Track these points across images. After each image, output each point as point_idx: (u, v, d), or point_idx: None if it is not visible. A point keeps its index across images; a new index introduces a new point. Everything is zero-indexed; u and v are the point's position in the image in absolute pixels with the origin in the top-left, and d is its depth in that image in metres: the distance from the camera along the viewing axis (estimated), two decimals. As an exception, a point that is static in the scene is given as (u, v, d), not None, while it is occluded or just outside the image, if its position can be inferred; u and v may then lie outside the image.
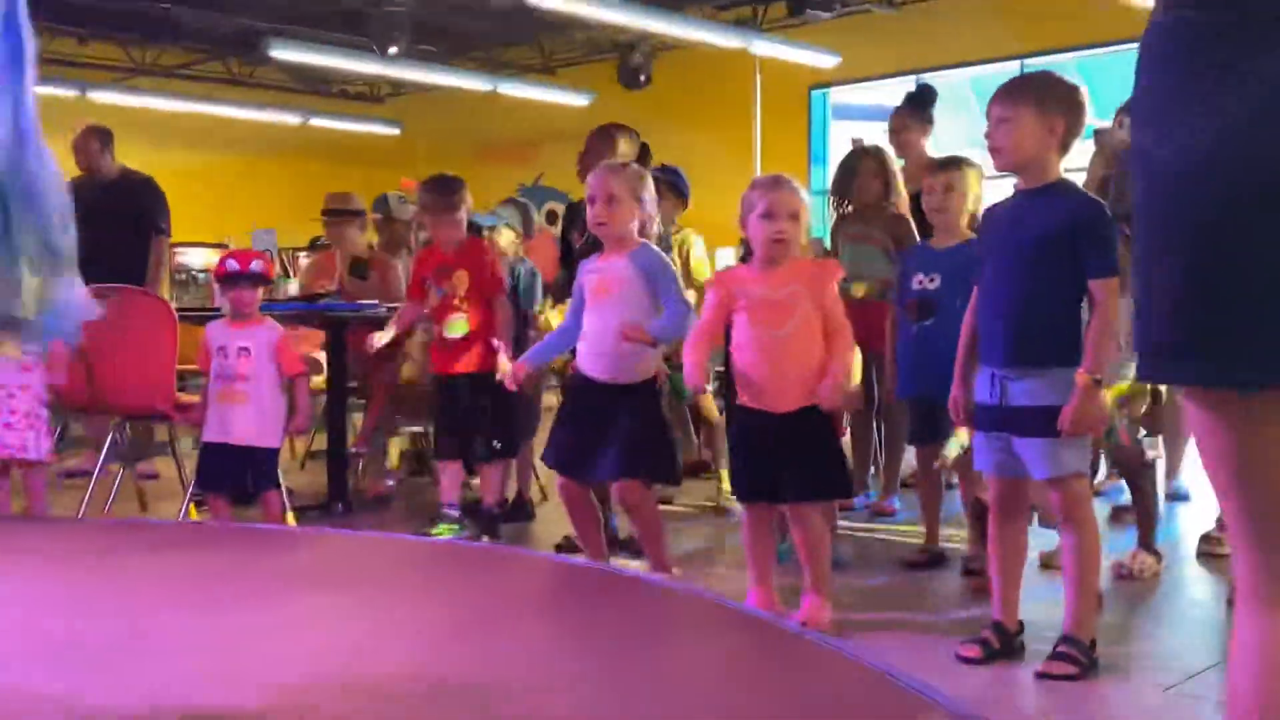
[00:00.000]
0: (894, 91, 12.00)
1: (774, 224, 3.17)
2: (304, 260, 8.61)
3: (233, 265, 4.19)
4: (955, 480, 4.30)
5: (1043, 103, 2.82)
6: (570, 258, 4.61)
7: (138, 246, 6.09)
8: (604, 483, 3.68)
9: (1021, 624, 3.04)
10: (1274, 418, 1.13)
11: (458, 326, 4.46)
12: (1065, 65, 10.19)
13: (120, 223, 6.01)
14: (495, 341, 4.32)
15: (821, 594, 3.23)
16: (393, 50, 10.52)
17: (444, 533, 4.40)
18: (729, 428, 3.56)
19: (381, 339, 4.57)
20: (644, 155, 4.54)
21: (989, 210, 3.19)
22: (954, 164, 4.00)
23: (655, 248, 3.58)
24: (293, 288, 5.54)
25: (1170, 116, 1.16)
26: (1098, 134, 4.27)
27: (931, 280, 3.92)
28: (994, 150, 2.89)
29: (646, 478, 3.54)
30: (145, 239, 6.13)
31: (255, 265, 4.21)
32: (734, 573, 3.76)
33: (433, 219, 4.59)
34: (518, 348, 4.42)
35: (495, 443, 4.52)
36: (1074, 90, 2.89)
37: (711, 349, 3.37)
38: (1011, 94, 2.86)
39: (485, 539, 4.43)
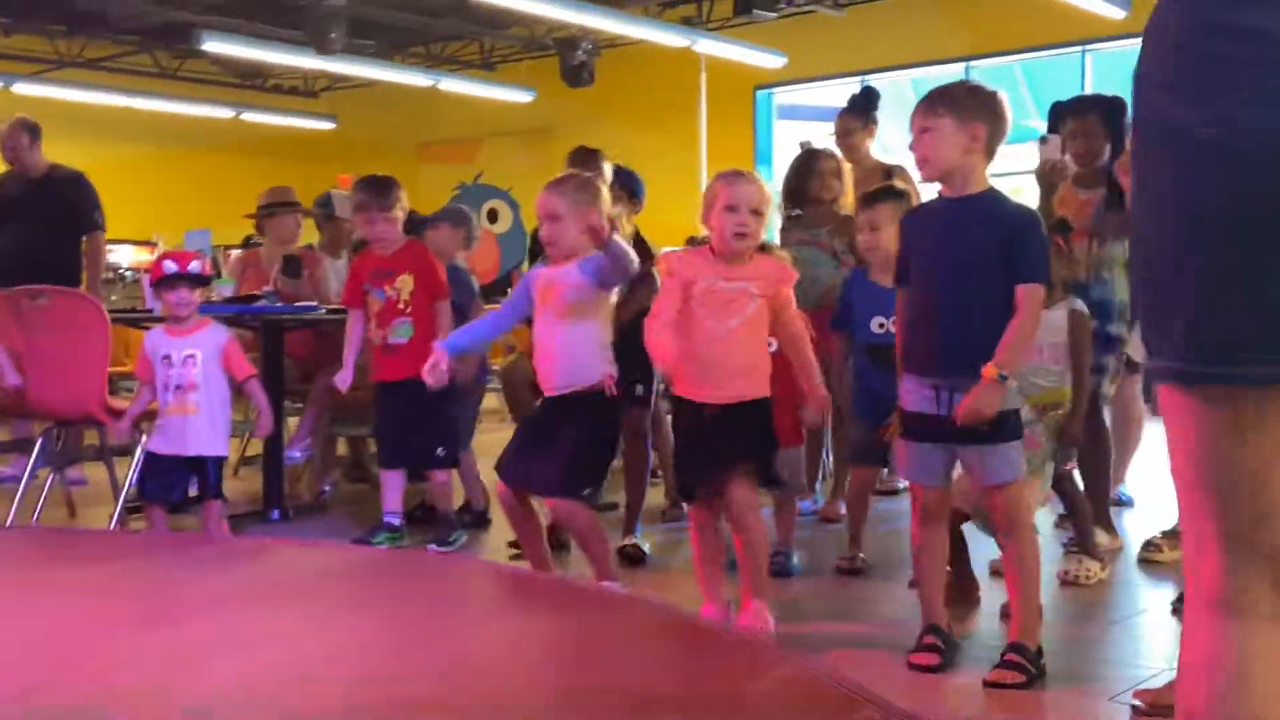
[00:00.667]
0: (839, 92, 12.04)
1: (736, 217, 3.18)
2: (233, 256, 8.44)
3: (170, 266, 4.02)
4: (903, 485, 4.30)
5: (961, 111, 2.85)
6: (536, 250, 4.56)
7: (67, 243, 5.95)
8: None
9: (949, 625, 3.07)
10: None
11: (403, 331, 4.39)
12: (1009, 67, 10.32)
13: (49, 219, 5.87)
14: (436, 345, 4.24)
15: (762, 598, 3.25)
16: (334, 39, 10.34)
17: (384, 542, 4.32)
18: (674, 422, 3.52)
19: (345, 377, 4.45)
20: (590, 160, 4.48)
21: (910, 215, 3.21)
22: (879, 199, 4.00)
23: (600, 254, 3.50)
24: (229, 289, 5.40)
25: (1215, 88, 1.07)
26: (1043, 140, 4.29)
27: (891, 324, 3.84)
28: (919, 161, 2.93)
29: (576, 493, 3.50)
30: (75, 236, 5.99)
31: (194, 266, 4.07)
32: (684, 579, 3.72)
33: (366, 219, 4.49)
34: None
35: (439, 449, 4.45)
36: (992, 96, 2.92)
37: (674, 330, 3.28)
38: (931, 104, 2.89)
39: (435, 546, 4.35)
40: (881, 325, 3.93)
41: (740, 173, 3.28)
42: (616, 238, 3.35)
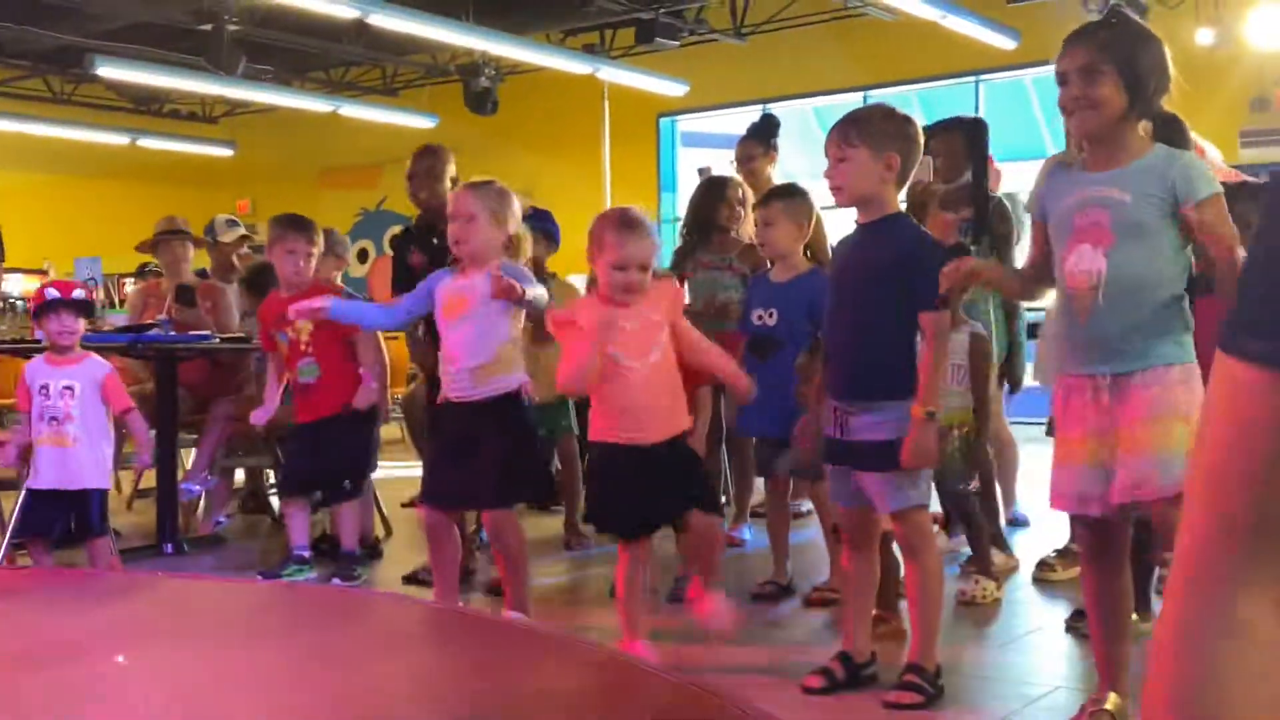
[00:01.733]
0: (742, 120, 12.17)
1: (626, 275, 3.06)
2: (130, 288, 8.26)
3: (52, 293, 3.94)
4: (807, 509, 4.32)
5: (877, 142, 2.87)
6: (409, 278, 4.49)
7: None
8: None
9: (874, 654, 3.06)
10: None
11: (308, 372, 4.35)
12: (905, 97, 10.52)
13: None
14: (363, 371, 4.31)
15: (719, 591, 3.23)
16: (238, 65, 10.18)
17: (293, 575, 4.25)
18: (589, 465, 3.48)
19: (260, 415, 4.47)
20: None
21: (838, 244, 3.22)
22: (774, 197, 4.03)
23: (513, 264, 3.50)
24: (120, 318, 5.27)
25: None
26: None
27: (770, 315, 3.91)
28: (834, 189, 2.94)
29: (521, 501, 3.51)
30: None
31: (77, 293, 3.99)
32: (593, 610, 3.70)
33: (286, 248, 4.39)
34: None
35: (346, 482, 4.43)
36: (906, 123, 2.94)
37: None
38: (846, 134, 2.89)
39: (338, 581, 4.28)
40: (760, 317, 3.95)
41: (630, 223, 3.08)
42: (531, 294, 3.37)
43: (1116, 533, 2.58)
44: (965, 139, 4.32)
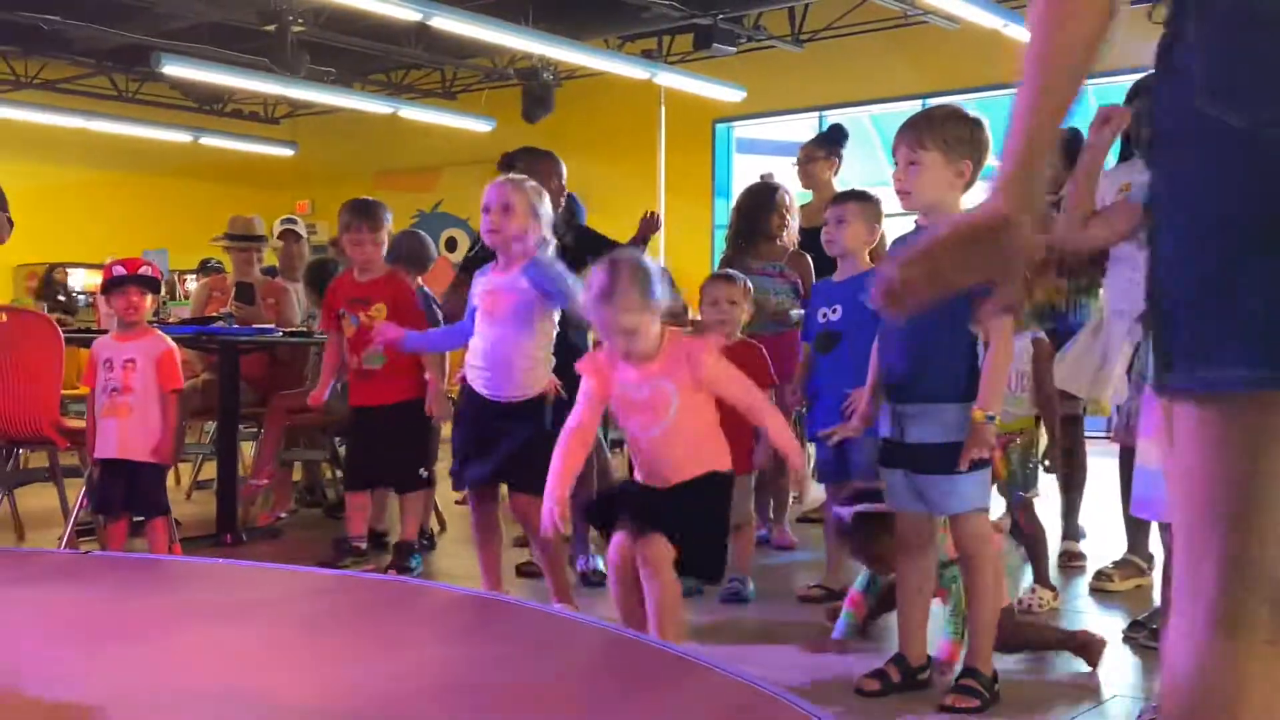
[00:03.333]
0: (798, 127, 12.19)
1: (611, 343, 2.97)
2: (192, 284, 8.41)
3: (119, 270, 4.03)
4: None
5: (950, 147, 2.82)
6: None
7: None
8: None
9: (929, 659, 3.05)
10: None
11: (374, 359, 4.37)
12: (964, 106, 10.48)
13: None
14: (428, 375, 4.30)
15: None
16: (301, 64, 10.32)
17: (350, 566, 4.30)
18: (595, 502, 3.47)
19: (319, 394, 4.48)
20: (541, 162, 4.41)
21: (894, 244, 3.21)
22: (846, 198, 4.02)
23: (546, 258, 3.50)
24: (184, 311, 5.38)
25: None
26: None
27: (834, 310, 3.93)
28: (901, 194, 2.89)
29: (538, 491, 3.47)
30: None
31: (144, 270, 4.06)
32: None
33: (353, 239, 4.45)
34: None
35: (422, 471, 4.46)
36: (978, 127, 2.89)
37: (583, 456, 3.05)
38: (919, 137, 2.84)
39: (393, 572, 4.33)
40: (824, 314, 3.96)
41: (601, 295, 2.88)
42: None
43: None
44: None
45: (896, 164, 2.89)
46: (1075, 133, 4.29)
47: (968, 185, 2.88)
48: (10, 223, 5.60)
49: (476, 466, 3.54)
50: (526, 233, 3.46)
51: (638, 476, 3.09)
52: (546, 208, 3.54)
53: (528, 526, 3.55)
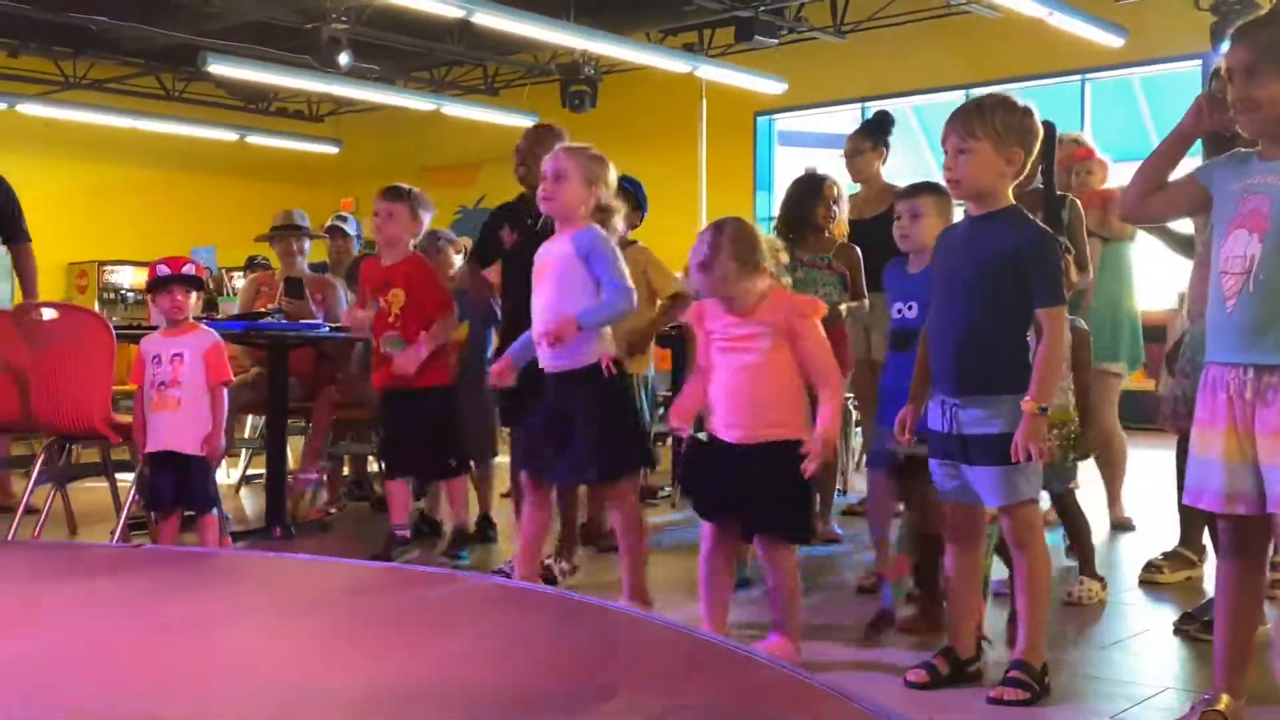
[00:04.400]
0: (840, 119, 12.13)
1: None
2: (240, 281, 8.50)
3: (164, 269, 4.08)
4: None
5: (1001, 136, 2.81)
6: (496, 253, 4.51)
7: None
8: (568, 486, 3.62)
9: (979, 650, 3.03)
10: None
11: (393, 343, 4.37)
12: (1014, 95, 10.40)
13: None
14: (421, 346, 4.28)
15: (789, 636, 3.15)
16: (343, 60, 10.39)
17: (399, 556, 4.32)
18: (684, 452, 3.49)
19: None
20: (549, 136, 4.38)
21: (942, 235, 3.17)
22: (918, 191, 3.97)
23: (599, 229, 3.47)
24: (233, 307, 5.43)
25: None
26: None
27: (910, 308, 3.86)
28: (952, 181, 2.89)
29: (626, 474, 3.48)
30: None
31: (187, 268, 4.11)
32: (679, 597, 3.70)
33: (375, 219, 4.44)
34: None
35: (450, 460, 4.44)
36: (1029, 116, 2.88)
37: (706, 392, 3.19)
38: (970, 126, 2.83)
39: (444, 561, 4.35)
40: (900, 311, 3.91)
41: (700, 266, 3.11)
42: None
43: (1261, 530, 2.51)
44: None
45: (946, 152, 2.88)
46: (1048, 125, 4.26)
47: (1018, 174, 2.86)
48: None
49: (552, 466, 3.50)
50: (581, 202, 3.44)
51: (715, 426, 3.14)
52: (605, 176, 3.50)
53: (614, 509, 3.55)
